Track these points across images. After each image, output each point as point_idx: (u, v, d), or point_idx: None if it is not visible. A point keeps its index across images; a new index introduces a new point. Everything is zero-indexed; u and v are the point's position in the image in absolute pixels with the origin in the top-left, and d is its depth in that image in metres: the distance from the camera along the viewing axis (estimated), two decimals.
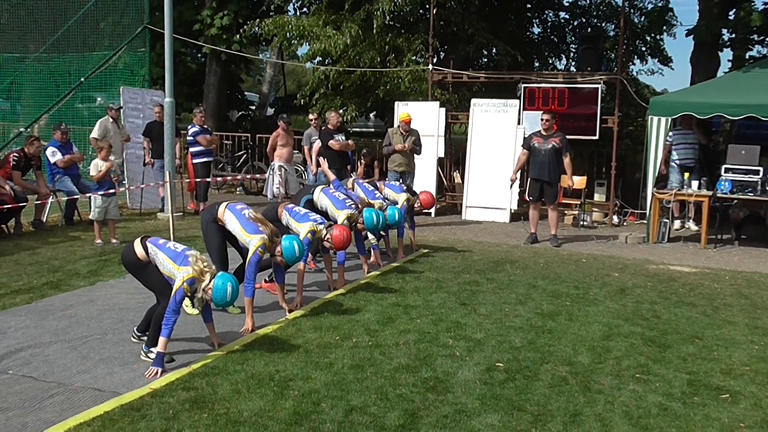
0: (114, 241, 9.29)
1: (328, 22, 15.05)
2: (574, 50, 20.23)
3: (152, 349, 5.14)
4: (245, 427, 4.17)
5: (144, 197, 12.06)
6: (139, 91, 13.25)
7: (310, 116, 13.01)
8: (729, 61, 18.34)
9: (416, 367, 5.22)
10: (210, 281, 5.04)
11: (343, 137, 11.29)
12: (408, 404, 4.58)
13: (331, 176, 9.34)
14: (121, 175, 11.43)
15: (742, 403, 4.75)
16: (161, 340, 4.95)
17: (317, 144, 11.68)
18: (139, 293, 6.93)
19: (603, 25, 20.09)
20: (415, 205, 9.28)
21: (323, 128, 11.45)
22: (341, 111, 14.60)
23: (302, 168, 13.80)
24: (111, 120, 11.77)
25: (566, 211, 12.36)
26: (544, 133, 10.31)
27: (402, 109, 12.57)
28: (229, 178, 15.15)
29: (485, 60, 19.08)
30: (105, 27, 14.47)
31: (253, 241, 6.03)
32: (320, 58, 15.73)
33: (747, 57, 17.62)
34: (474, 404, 4.61)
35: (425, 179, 12.35)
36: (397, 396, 4.70)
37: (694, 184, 10.80)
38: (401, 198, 9.01)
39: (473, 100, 13.09)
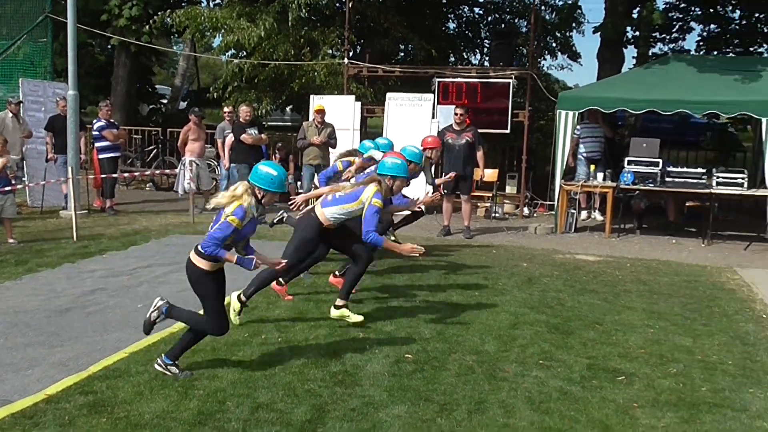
0: (11, 241, 8.86)
1: (242, 14, 14.79)
2: (488, 45, 20.55)
3: (168, 362, 4.85)
4: (146, 430, 4.07)
5: (46, 194, 11.55)
6: (40, 83, 12.70)
7: (225, 109, 12.79)
8: (633, 57, 19.09)
9: (325, 361, 5.20)
10: (250, 193, 4.72)
11: (256, 131, 11.15)
12: (316, 399, 4.57)
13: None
14: (19, 171, 10.95)
15: (636, 384, 4.94)
16: (226, 255, 4.62)
17: (230, 138, 11.51)
18: (36, 295, 6.69)
19: (516, 21, 20.47)
20: (429, 157, 8.61)
21: (235, 122, 11.29)
22: (256, 105, 14.40)
23: (215, 162, 13.55)
24: (11, 115, 11.24)
25: (479, 204, 12.57)
26: (456, 127, 10.46)
27: (317, 102, 12.50)
28: (137, 173, 14.74)
29: (402, 54, 19.17)
30: (2, 15, 13.78)
31: (366, 193, 5.78)
32: (234, 51, 15.47)
33: (650, 54, 18.38)
34: (382, 396, 4.63)
35: None
36: (305, 391, 4.68)
37: (600, 175, 11.18)
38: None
39: (388, 94, 13.16)
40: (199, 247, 4.70)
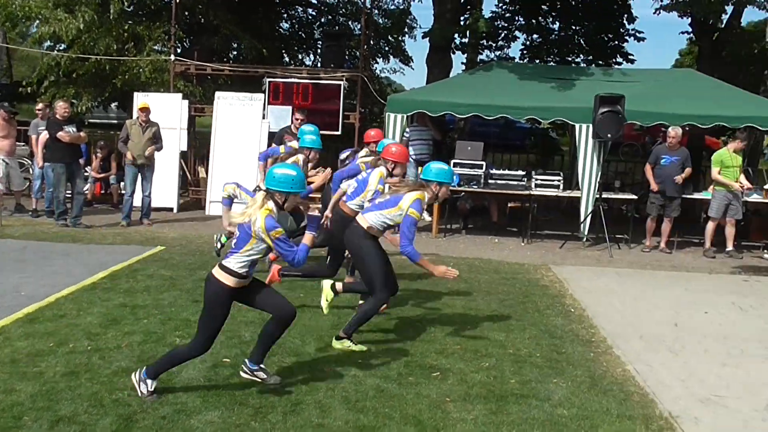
0: None
1: (60, 4, 13.86)
2: (321, 47, 20.63)
3: (254, 367, 4.69)
4: None
5: None
6: None
7: (38, 106, 11.94)
8: (463, 63, 19.98)
9: (137, 369, 4.93)
10: (270, 199, 4.50)
11: (74, 128, 10.49)
12: (124, 409, 4.34)
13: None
14: None
15: (450, 379, 5.10)
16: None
17: (44, 135, 10.75)
18: None
19: (349, 23, 20.70)
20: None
21: (50, 118, 10.58)
22: (75, 101, 13.55)
23: (29, 161, 12.60)
24: None
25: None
26: (296, 131, 10.38)
27: (141, 100, 11.97)
28: None
29: (235, 53, 18.81)
30: None
31: (406, 201, 5.60)
32: (50, 43, 14.47)
33: (478, 60, 19.26)
34: (195, 402, 4.48)
35: (167, 173, 11.89)
36: (113, 401, 4.44)
37: None
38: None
39: (218, 93, 12.85)
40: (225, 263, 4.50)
